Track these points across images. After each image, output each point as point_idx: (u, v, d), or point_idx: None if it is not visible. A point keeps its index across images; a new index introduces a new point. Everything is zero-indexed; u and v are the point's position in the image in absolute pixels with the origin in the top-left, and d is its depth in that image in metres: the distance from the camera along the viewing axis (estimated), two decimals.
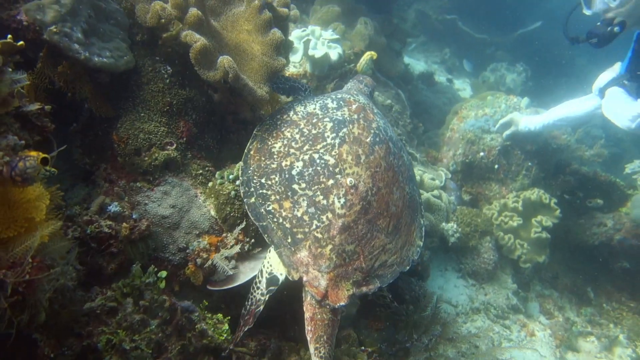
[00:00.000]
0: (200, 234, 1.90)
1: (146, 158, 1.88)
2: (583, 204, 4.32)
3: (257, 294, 1.82)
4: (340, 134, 1.91)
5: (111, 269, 1.69)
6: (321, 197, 1.79)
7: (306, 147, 1.90)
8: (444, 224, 3.30)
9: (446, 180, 3.89)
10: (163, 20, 1.77)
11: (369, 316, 2.33)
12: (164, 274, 1.72)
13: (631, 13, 2.58)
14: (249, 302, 1.83)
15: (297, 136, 1.94)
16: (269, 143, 1.96)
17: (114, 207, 1.76)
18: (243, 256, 1.92)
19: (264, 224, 1.79)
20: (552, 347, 3.17)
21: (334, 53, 3.11)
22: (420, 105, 5.16)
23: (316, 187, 1.81)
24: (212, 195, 1.97)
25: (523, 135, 3.79)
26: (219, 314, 1.81)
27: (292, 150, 1.91)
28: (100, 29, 1.79)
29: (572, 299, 4.02)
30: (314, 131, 1.94)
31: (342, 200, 1.78)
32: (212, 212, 1.96)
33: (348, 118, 1.98)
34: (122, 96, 1.91)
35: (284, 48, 2.10)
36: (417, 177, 3.15)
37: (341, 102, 2.06)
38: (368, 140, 1.93)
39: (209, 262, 1.79)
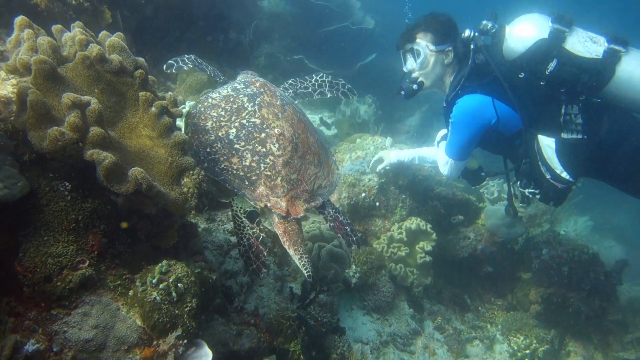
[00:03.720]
0: (130, 348, 1.85)
1: (59, 283, 1.77)
2: (448, 221, 5.03)
3: (247, 230, 2.30)
4: (256, 102, 2.41)
5: None
6: (260, 147, 2.27)
7: (233, 117, 2.35)
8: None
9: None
10: (61, 143, 1.72)
11: None
12: None
13: (427, 76, 3.19)
14: (245, 241, 2.30)
15: (223, 113, 2.38)
16: (201, 124, 2.36)
17: (31, 346, 1.63)
18: None
19: (223, 177, 2.22)
20: None
21: None
22: None
23: (253, 141, 2.28)
24: (136, 304, 1.93)
25: (396, 166, 4.28)
26: None
27: (222, 123, 2.34)
28: None
29: (455, 309, 4.63)
30: (234, 106, 2.40)
31: (277, 145, 2.29)
32: (139, 322, 1.91)
33: (256, 91, 2.49)
34: (21, 222, 1.78)
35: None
36: (317, 230, 3.39)
37: (247, 82, 2.57)
38: (278, 103, 2.46)
39: None
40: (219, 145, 2.28)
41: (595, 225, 8.53)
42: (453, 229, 4.98)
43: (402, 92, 3.30)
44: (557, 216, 5.33)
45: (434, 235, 4.34)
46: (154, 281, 1.97)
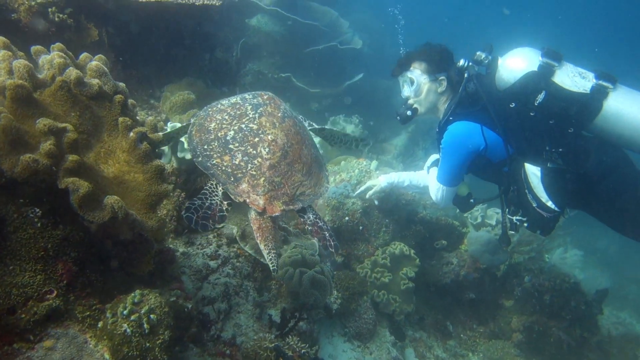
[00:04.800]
0: None
1: (23, 315, 1.69)
2: (431, 245, 5.01)
3: (216, 199, 2.38)
4: (259, 111, 2.58)
5: None
6: (251, 149, 2.42)
7: (234, 122, 2.53)
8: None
9: (319, 248, 4.16)
10: (34, 170, 1.66)
11: None
12: None
13: (421, 103, 3.27)
14: (209, 202, 2.34)
15: (227, 117, 2.56)
16: (205, 125, 2.56)
17: None
18: None
19: (212, 171, 2.38)
20: None
21: None
22: None
23: (246, 143, 2.44)
24: (105, 337, 1.85)
25: (387, 189, 4.19)
26: None
27: (224, 126, 2.52)
28: None
29: (438, 336, 4.58)
30: (238, 112, 2.58)
31: (267, 149, 2.43)
32: (107, 356, 1.83)
33: (262, 102, 2.66)
34: None
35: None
36: (299, 256, 3.34)
37: (255, 94, 2.76)
38: (279, 115, 2.62)
39: None
40: (216, 144, 2.46)
41: (583, 254, 8.60)
42: (436, 254, 4.96)
43: (398, 117, 3.36)
44: (547, 246, 5.34)
45: (417, 261, 4.32)
46: (125, 312, 1.90)
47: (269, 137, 2.46)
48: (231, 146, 2.44)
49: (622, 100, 2.70)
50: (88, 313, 1.89)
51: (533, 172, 2.90)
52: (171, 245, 2.99)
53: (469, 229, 5.44)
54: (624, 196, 2.74)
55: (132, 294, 1.98)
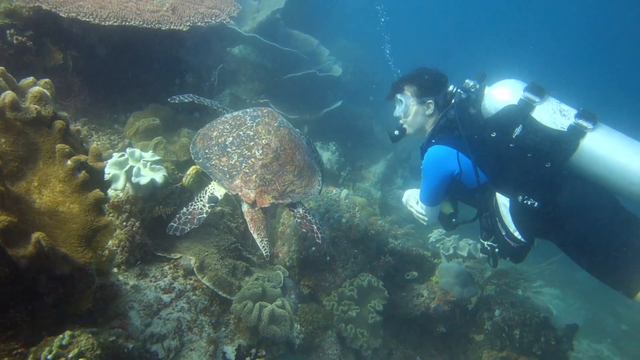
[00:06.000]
0: None
1: None
2: (402, 277, 4.92)
3: (200, 204, 2.75)
4: (256, 120, 2.97)
5: None
6: (246, 151, 2.80)
7: (234, 130, 2.92)
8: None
9: (284, 280, 4.03)
10: None
11: None
12: None
13: (410, 124, 3.33)
14: (192, 208, 2.74)
15: (228, 127, 2.95)
16: (209, 134, 2.96)
17: None
18: None
19: (210, 170, 2.76)
20: None
21: (159, 176, 3.03)
22: None
23: (242, 146, 2.81)
24: None
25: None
26: None
27: (224, 133, 2.91)
28: None
29: None
30: (238, 122, 2.97)
31: (260, 151, 2.80)
32: None
33: (260, 114, 3.05)
34: None
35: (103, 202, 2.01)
36: (259, 289, 3.21)
37: (255, 109, 3.15)
38: (275, 124, 2.99)
39: None
40: (216, 148, 2.83)
41: (561, 290, 8.56)
42: (407, 286, 4.86)
43: (389, 136, 3.43)
44: (522, 285, 5.25)
45: (385, 293, 4.21)
46: (49, 357, 1.75)
47: (263, 141, 2.83)
48: (229, 149, 2.81)
49: (598, 141, 2.69)
50: (7, 359, 1.74)
51: (502, 202, 2.90)
52: (121, 277, 2.84)
53: (442, 260, 5.38)
54: (590, 237, 2.71)
55: (60, 336, 1.84)
